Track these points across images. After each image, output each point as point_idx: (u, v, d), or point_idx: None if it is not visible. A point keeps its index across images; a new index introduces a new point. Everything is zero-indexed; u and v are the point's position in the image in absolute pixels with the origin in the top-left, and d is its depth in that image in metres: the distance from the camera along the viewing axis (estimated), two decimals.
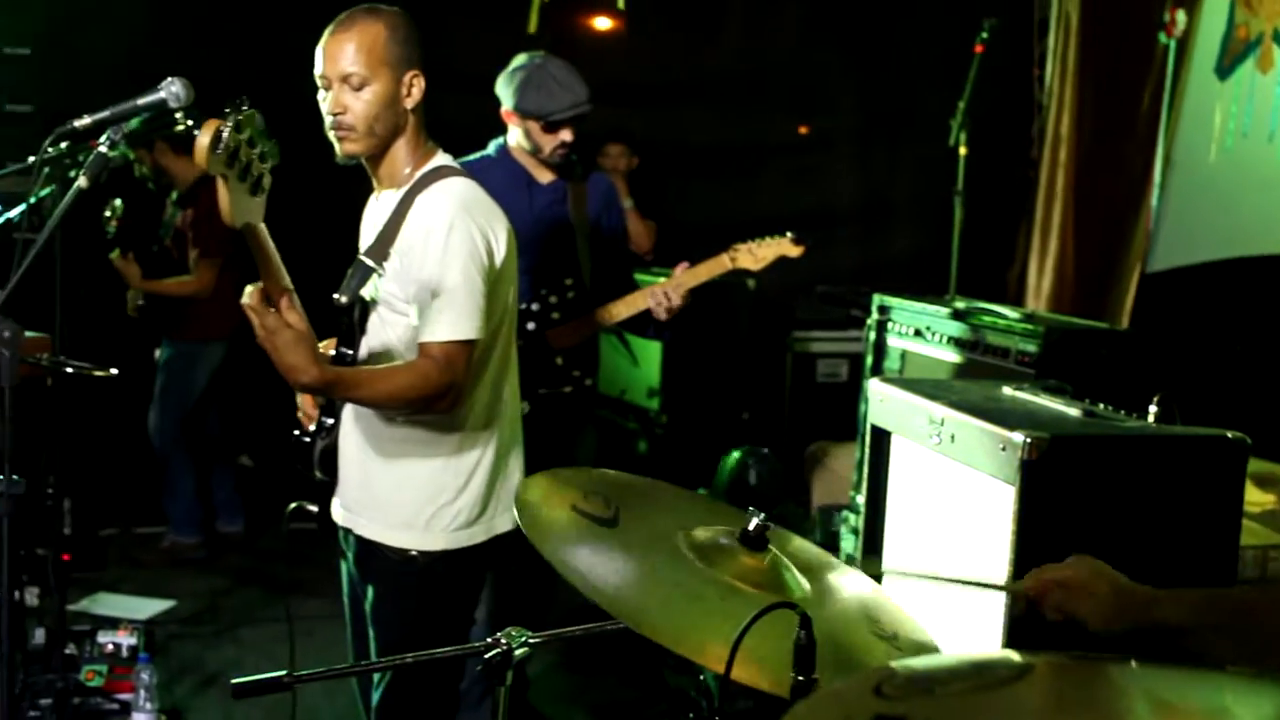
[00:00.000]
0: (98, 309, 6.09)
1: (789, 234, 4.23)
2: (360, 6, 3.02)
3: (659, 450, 5.90)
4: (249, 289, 2.66)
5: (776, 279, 6.55)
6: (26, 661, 4.56)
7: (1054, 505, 2.58)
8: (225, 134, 2.45)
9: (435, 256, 2.91)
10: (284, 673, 2.11)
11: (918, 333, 4.31)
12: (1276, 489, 5.20)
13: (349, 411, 3.12)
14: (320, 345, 2.83)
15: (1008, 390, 3.05)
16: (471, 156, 4.12)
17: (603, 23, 7.56)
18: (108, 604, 5.68)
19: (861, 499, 4.48)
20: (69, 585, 5.02)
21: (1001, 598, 2.61)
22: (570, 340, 4.27)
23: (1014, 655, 1.71)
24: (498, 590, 4.10)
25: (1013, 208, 7.97)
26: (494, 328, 3.06)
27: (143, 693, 4.35)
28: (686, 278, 4.21)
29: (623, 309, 4.27)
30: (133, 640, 5.04)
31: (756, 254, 4.25)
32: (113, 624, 5.24)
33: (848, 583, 2.18)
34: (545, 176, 4.28)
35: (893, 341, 4.45)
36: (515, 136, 4.25)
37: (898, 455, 3.12)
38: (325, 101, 2.99)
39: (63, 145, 4.00)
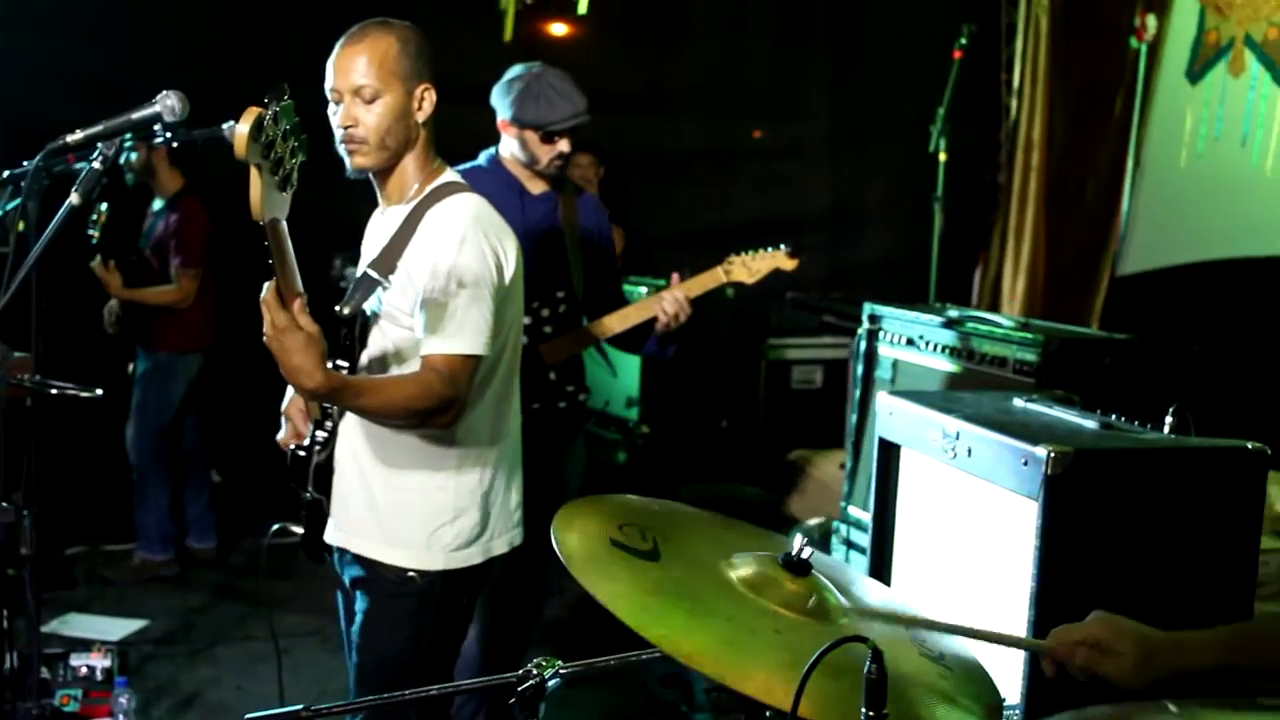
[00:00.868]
0: (66, 322, 5.98)
1: (783, 246, 4.18)
2: (371, 20, 2.97)
3: (639, 460, 5.85)
4: (267, 285, 2.56)
5: (748, 285, 6.55)
6: None
7: (1077, 520, 2.54)
8: (266, 123, 2.35)
9: (444, 270, 2.86)
10: (301, 706, 2.05)
11: (910, 341, 4.28)
12: None
13: (348, 426, 3.04)
14: None
15: (1019, 402, 3.01)
16: (462, 167, 4.04)
17: (569, 30, 7.51)
18: (79, 625, 5.56)
19: (854, 510, 4.46)
20: (40, 606, 4.91)
21: (1023, 608, 2.58)
22: (563, 354, 4.20)
23: None
24: (489, 609, 4.03)
25: (981, 213, 7.98)
26: (499, 346, 3.01)
27: (122, 717, 4.25)
28: (682, 289, 4.15)
29: (616, 323, 4.20)
30: (107, 662, 4.91)
31: (751, 267, 4.20)
32: (85, 646, 5.11)
33: (883, 599, 2.13)
34: (537, 187, 4.21)
35: (884, 350, 4.41)
36: (509, 147, 4.18)
37: (908, 469, 3.08)
38: (336, 115, 2.94)
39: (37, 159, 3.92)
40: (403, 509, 3.00)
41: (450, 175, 3.08)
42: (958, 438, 2.80)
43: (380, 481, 3.01)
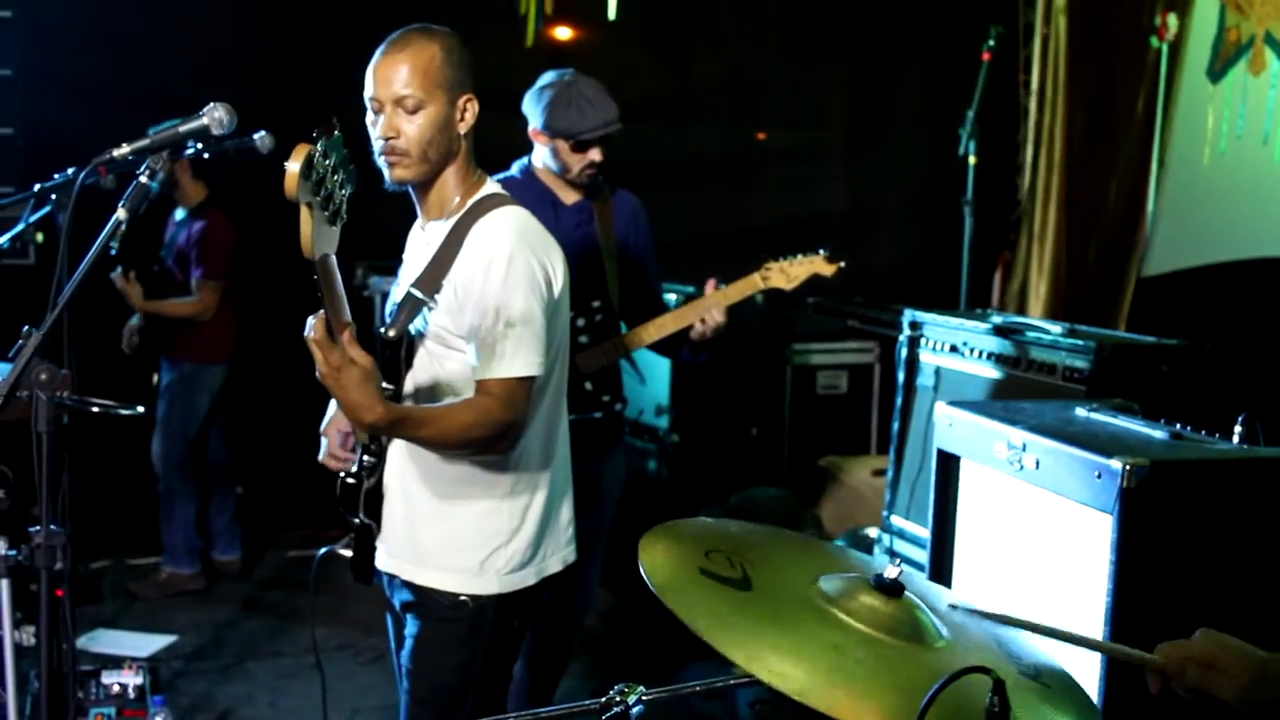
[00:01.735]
0: (89, 335, 5.94)
1: (822, 251, 4.13)
2: (413, 27, 2.89)
3: (671, 468, 5.80)
4: (313, 320, 2.49)
5: (786, 292, 6.51)
6: (34, 708, 4.39)
7: (1153, 533, 2.50)
8: (315, 159, 2.30)
9: (495, 289, 2.79)
10: None
11: (953, 348, 4.22)
12: None
13: (397, 451, 2.98)
14: None
15: (1082, 411, 2.97)
16: (496, 177, 3.99)
17: (589, 35, 7.47)
18: (107, 641, 5.51)
19: (897, 520, 4.42)
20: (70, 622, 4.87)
21: (1096, 625, 2.53)
22: (599, 364, 4.15)
23: None
24: (533, 626, 3.98)
25: (1000, 215, 7.93)
26: (550, 362, 2.94)
27: None
28: (719, 296, 4.10)
29: (653, 332, 4.15)
30: (139, 679, 4.85)
31: (789, 273, 4.14)
32: (116, 663, 5.06)
33: (967, 615, 2.07)
34: (571, 197, 4.16)
35: (925, 357, 4.35)
36: (541, 156, 4.14)
37: (968, 481, 3.04)
38: (376, 125, 2.86)
39: (68, 171, 3.88)
40: (455, 534, 2.94)
41: (492, 187, 3.01)
42: (1024, 449, 2.76)
43: (431, 506, 2.95)
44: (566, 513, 3.14)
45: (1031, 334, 3.90)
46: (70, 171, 3.80)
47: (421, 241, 3.02)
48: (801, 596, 1.88)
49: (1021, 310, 7.45)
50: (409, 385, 2.97)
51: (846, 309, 7.38)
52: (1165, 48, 7.41)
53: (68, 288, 2.82)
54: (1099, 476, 2.52)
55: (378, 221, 3.39)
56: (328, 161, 2.31)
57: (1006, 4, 7.81)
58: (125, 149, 2.83)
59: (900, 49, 8.09)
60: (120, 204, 2.80)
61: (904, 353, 4.43)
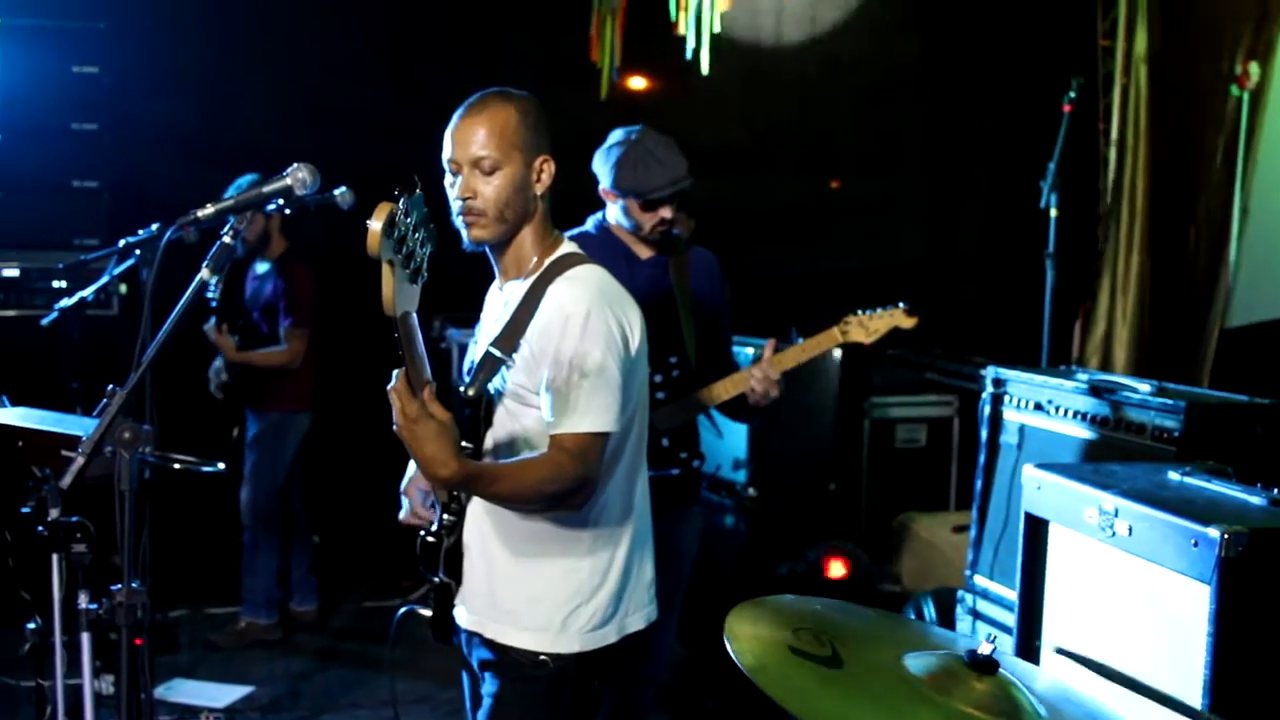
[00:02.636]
0: (170, 391, 6.02)
1: (901, 305, 4.08)
2: (490, 90, 2.91)
3: (748, 524, 5.74)
4: (396, 373, 2.51)
5: (866, 346, 6.46)
6: None
7: (1254, 603, 2.43)
8: (397, 218, 2.31)
9: (571, 346, 2.79)
10: None
11: (1038, 406, 4.15)
12: None
13: (477, 509, 2.97)
14: None
15: (1174, 475, 2.90)
16: (571, 233, 3.99)
17: (662, 86, 7.49)
18: (185, 691, 5.53)
19: (980, 580, 4.34)
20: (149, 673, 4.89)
21: (1194, 698, 2.46)
22: (676, 420, 4.12)
23: None
24: (612, 692, 3.94)
25: (1079, 266, 7.84)
26: (628, 419, 2.92)
27: None
28: (795, 352, 4.05)
29: (730, 387, 4.11)
30: None
31: (869, 326, 4.10)
32: (193, 713, 5.10)
33: (1059, 691, 2.02)
34: (645, 252, 4.15)
35: (1009, 415, 4.28)
36: (614, 213, 4.13)
37: (1057, 545, 2.97)
38: (454, 187, 2.87)
39: (153, 227, 3.92)
40: (535, 592, 2.91)
41: (569, 247, 3.01)
42: (1116, 515, 2.69)
43: (511, 565, 2.93)
44: (648, 569, 3.10)
45: (1118, 393, 3.82)
46: (155, 228, 3.86)
47: (499, 301, 3.03)
48: (893, 674, 1.84)
49: (1105, 362, 7.34)
50: (489, 443, 2.96)
51: (925, 361, 7.31)
52: (1246, 96, 7.29)
53: (152, 347, 2.84)
54: (1195, 545, 2.45)
55: (455, 274, 3.39)
56: (409, 220, 2.33)
57: (1086, 54, 7.75)
58: (210, 209, 2.85)
59: (978, 99, 8.04)
60: (204, 264, 2.82)
61: (987, 410, 4.36)
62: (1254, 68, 7.30)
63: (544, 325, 2.85)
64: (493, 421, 2.96)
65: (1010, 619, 3.63)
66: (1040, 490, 2.98)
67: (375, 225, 2.30)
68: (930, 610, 4.71)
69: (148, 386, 4.00)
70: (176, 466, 3.63)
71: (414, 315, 2.51)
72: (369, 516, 5.85)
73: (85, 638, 3.19)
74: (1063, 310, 7.69)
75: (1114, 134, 7.90)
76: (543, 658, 2.90)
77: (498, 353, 2.90)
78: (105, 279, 5.18)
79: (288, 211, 5.58)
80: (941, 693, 1.79)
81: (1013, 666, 1.93)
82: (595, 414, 2.79)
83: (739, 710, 5.09)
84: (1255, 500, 2.66)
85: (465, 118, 2.88)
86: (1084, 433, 3.93)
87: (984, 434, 4.36)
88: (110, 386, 2.82)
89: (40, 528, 2.97)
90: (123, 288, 6.52)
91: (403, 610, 3.24)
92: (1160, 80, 7.70)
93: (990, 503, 4.33)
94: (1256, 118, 7.33)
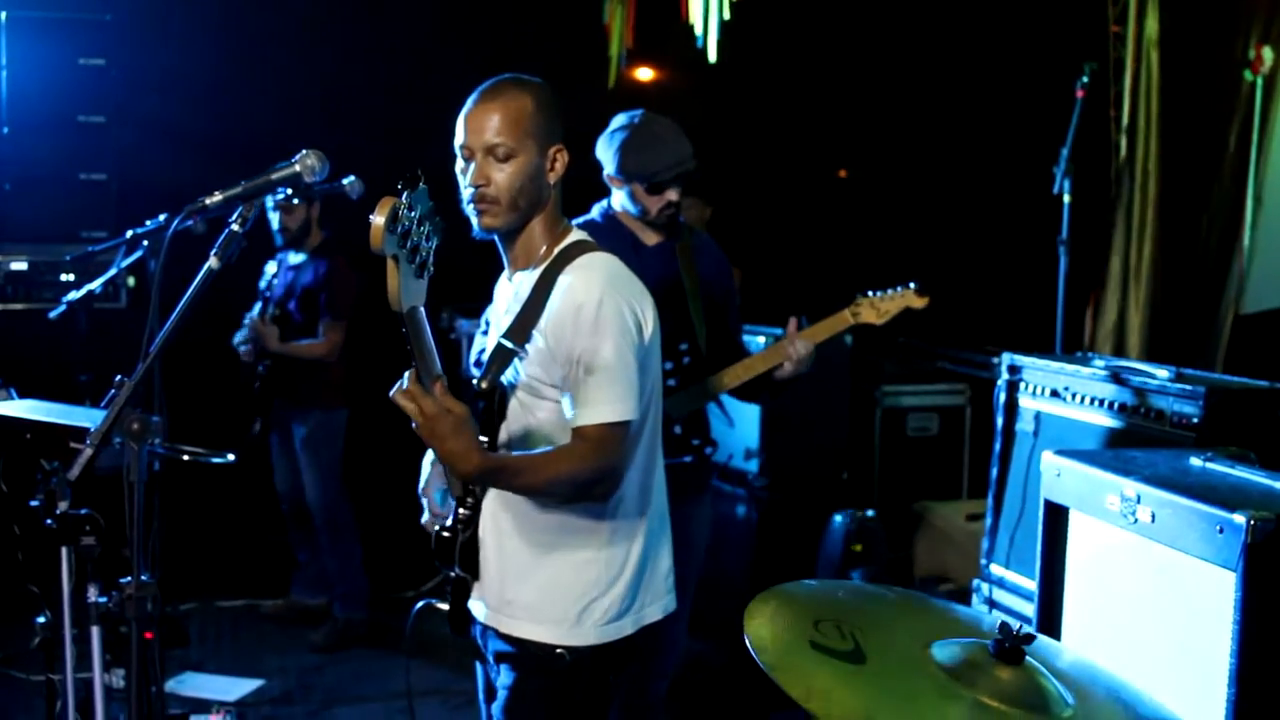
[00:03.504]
0: (179, 379, 5.99)
1: (913, 285, 4.06)
2: (505, 76, 2.88)
3: (760, 513, 5.71)
4: (407, 374, 2.50)
5: (861, 330, 6.43)
6: None
7: (1279, 590, 2.38)
8: (401, 212, 2.28)
9: (586, 335, 2.76)
10: None
11: (1054, 393, 4.11)
12: None
13: (492, 503, 2.94)
14: None
15: (1197, 461, 2.86)
16: (576, 221, 3.96)
17: (670, 75, 7.45)
18: (195, 684, 5.51)
19: (996, 569, 4.30)
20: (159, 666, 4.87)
21: (1218, 686, 2.42)
22: (688, 408, 4.09)
23: None
24: (628, 687, 3.91)
25: (1092, 253, 7.79)
26: (644, 408, 2.89)
27: None
28: (808, 334, 4.02)
29: (741, 372, 4.08)
30: None
31: (879, 307, 4.07)
32: (204, 707, 5.07)
33: (1083, 672, 1.97)
34: (652, 239, 4.12)
35: (1025, 402, 4.23)
36: (619, 199, 4.10)
37: (1077, 533, 2.93)
38: (466, 174, 2.84)
39: (160, 217, 3.89)
40: (551, 585, 2.88)
41: (578, 235, 2.99)
42: (1138, 501, 2.66)
43: (527, 558, 2.90)
44: (666, 560, 3.07)
45: (1137, 379, 3.78)
46: (162, 218, 3.82)
47: (509, 292, 3.00)
48: (916, 666, 1.80)
49: (1118, 348, 7.29)
50: (503, 435, 2.93)
51: (937, 350, 7.27)
52: (1260, 81, 7.23)
53: (159, 337, 2.80)
54: (1220, 531, 2.41)
55: (463, 265, 3.37)
56: (413, 214, 2.31)
57: (1098, 39, 7.68)
58: (218, 197, 2.81)
59: (990, 84, 7.99)
60: (212, 252, 2.78)
61: (1002, 397, 4.32)
62: (1267, 52, 7.24)
63: (556, 315, 2.82)
64: (506, 414, 2.93)
65: (1028, 608, 3.60)
66: (1060, 477, 2.94)
67: (378, 220, 2.28)
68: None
69: (156, 377, 3.97)
70: (185, 458, 3.59)
71: (421, 310, 2.48)
72: (383, 510, 5.83)
73: (95, 631, 3.17)
74: (1075, 297, 7.66)
75: (1125, 120, 7.82)
76: (559, 650, 2.88)
77: (510, 344, 2.87)
78: (113, 271, 5.15)
79: (295, 200, 5.63)
80: (966, 686, 1.75)
81: (1038, 648, 1.89)
82: (614, 403, 2.77)
83: (756, 698, 5.06)
84: None
85: (480, 103, 2.85)
86: (1102, 419, 3.89)
87: (999, 421, 4.32)
88: (118, 378, 2.79)
89: (49, 520, 2.94)
90: (130, 280, 6.50)
91: (420, 605, 3.21)
92: (1172, 66, 7.62)
93: (1006, 491, 4.28)
94: (1270, 103, 7.26)
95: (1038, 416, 4.17)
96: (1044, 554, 3.00)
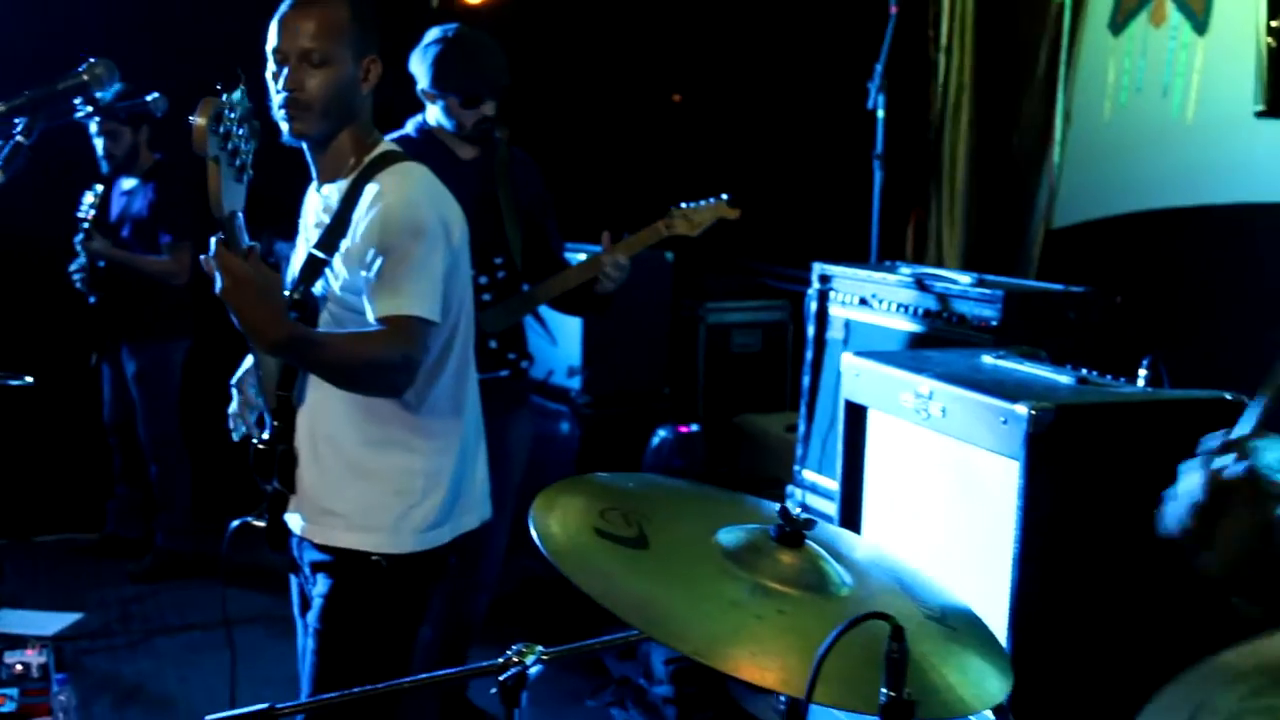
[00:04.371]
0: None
1: (725, 196, 4.11)
2: None
3: (583, 431, 5.74)
4: (214, 241, 2.44)
5: (686, 249, 6.45)
6: None
7: (1060, 478, 2.48)
8: (223, 114, 2.26)
9: (393, 236, 2.76)
10: (265, 706, 1.94)
11: (863, 301, 4.20)
12: None
13: (308, 415, 2.92)
14: None
15: (988, 359, 2.95)
16: (390, 136, 3.91)
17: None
18: (10, 621, 5.36)
19: (809, 474, 4.39)
20: None
21: (1005, 569, 2.51)
22: (504, 322, 4.10)
23: None
24: (443, 598, 3.93)
25: (914, 170, 7.93)
26: (453, 321, 2.93)
27: (62, 715, 4.10)
28: (623, 246, 4.04)
29: (557, 285, 4.10)
30: (43, 658, 4.72)
31: (693, 219, 4.10)
32: (19, 643, 4.94)
33: (871, 559, 2.04)
34: (467, 153, 4.10)
35: (835, 311, 4.32)
36: (434, 114, 4.07)
37: (876, 432, 3.01)
38: (278, 79, 2.80)
39: None
40: (367, 494, 2.90)
41: (388, 146, 2.99)
42: (930, 398, 2.73)
43: (342, 468, 2.90)
44: (481, 470, 3.13)
45: (940, 285, 3.88)
46: None
47: (318, 204, 2.99)
48: (700, 552, 1.83)
49: (937, 264, 7.46)
50: None
51: (760, 267, 7.35)
52: (1069, 1, 7.40)
53: None
54: (1005, 422, 2.50)
55: (282, 188, 3.32)
56: (233, 115, 2.32)
57: None
58: (0, 106, 2.71)
59: (807, 2, 8.04)
60: None
61: (813, 306, 4.40)
62: None
63: (365, 223, 2.81)
64: (318, 325, 2.92)
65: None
66: (859, 378, 3.01)
67: (200, 121, 2.27)
68: None
69: None
70: None
71: (240, 216, 2.45)
72: (202, 440, 5.74)
73: None
74: (896, 214, 7.82)
75: (943, 40, 7.97)
76: (375, 558, 2.90)
77: (321, 254, 2.87)
78: None
79: (96, 118, 5.43)
80: (747, 569, 1.79)
81: (827, 537, 1.93)
82: (418, 299, 2.78)
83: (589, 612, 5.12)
84: (1063, 380, 2.72)
85: (295, 7, 2.82)
86: (908, 325, 3.99)
87: (810, 330, 4.40)
88: None
89: None
90: None
91: (236, 523, 3.17)
92: None
93: (818, 398, 4.38)
94: (1078, 22, 7.44)
95: (847, 324, 4.26)
96: (845, 452, 3.08)
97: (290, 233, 3.22)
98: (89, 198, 5.68)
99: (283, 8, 2.82)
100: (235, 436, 3.16)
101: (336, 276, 2.84)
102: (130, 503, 6.26)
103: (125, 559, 6.11)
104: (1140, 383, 2.74)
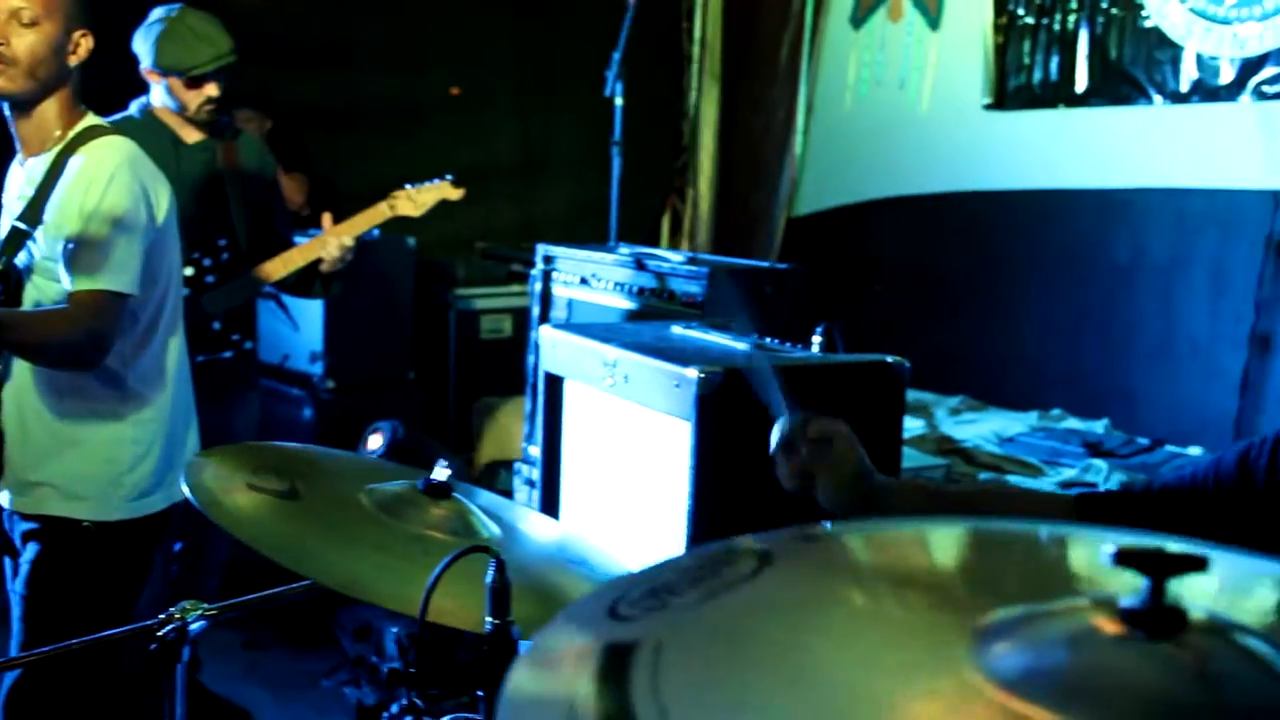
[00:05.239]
0: None
1: (448, 177, 4.19)
2: None
3: (325, 416, 5.74)
4: None
5: (437, 237, 6.48)
6: None
7: (728, 437, 2.61)
8: None
9: (91, 209, 2.81)
10: None
11: (584, 280, 4.32)
12: (922, 415, 5.50)
13: (13, 388, 2.95)
14: None
15: (678, 329, 3.09)
16: (113, 118, 3.88)
17: None
18: None
19: (534, 450, 4.48)
20: None
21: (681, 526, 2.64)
22: (228, 303, 4.10)
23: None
24: (178, 565, 3.95)
25: (670, 158, 8.12)
26: (160, 294, 2.99)
27: None
28: (345, 226, 4.09)
29: (280, 266, 4.13)
30: None
31: (416, 200, 4.19)
32: None
33: (540, 526, 2.17)
34: (193, 135, 4.10)
35: (559, 290, 4.43)
36: (158, 95, 4.06)
37: (572, 401, 3.12)
38: None
39: None
40: (76, 464, 2.95)
41: (95, 120, 3.03)
42: (615, 365, 2.85)
43: (50, 440, 2.95)
44: (194, 440, 3.20)
45: (655, 263, 4.02)
46: None
47: (21, 177, 3.01)
48: (350, 503, 1.93)
49: (692, 251, 7.66)
50: None
51: (511, 254, 7.43)
52: None
53: None
54: (678, 385, 2.62)
55: None
56: None
57: None
58: None
59: None
60: None
61: (538, 287, 4.51)
62: None
63: (67, 193, 2.85)
64: (22, 298, 2.94)
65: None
66: (556, 349, 3.12)
67: None
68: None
69: None
70: None
71: None
72: None
73: None
74: (652, 202, 8.01)
75: (696, 32, 8.19)
76: (85, 524, 2.95)
77: (23, 226, 2.90)
78: None
79: None
80: (395, 518, 1.88)
81: (471, 493, 2.04)
82: (113, 273, 2.81)
83: None
84: (740, 346, 2.87)
85: None
86: (625, 303, 4.12)
87: (535, 310, 4.51)
88: None
89: None
90: None
91: None
92: None
93: (540, 375, 4.47)
94: (820, 16, 7.72)
95: (570, 304, 4.37)
96: (545, 423, 3.17)
97: None
98: None
99: None
100: None
101: (40, 248, 2.87)
102: None
103: None
104: (815, 349, 2.89)
